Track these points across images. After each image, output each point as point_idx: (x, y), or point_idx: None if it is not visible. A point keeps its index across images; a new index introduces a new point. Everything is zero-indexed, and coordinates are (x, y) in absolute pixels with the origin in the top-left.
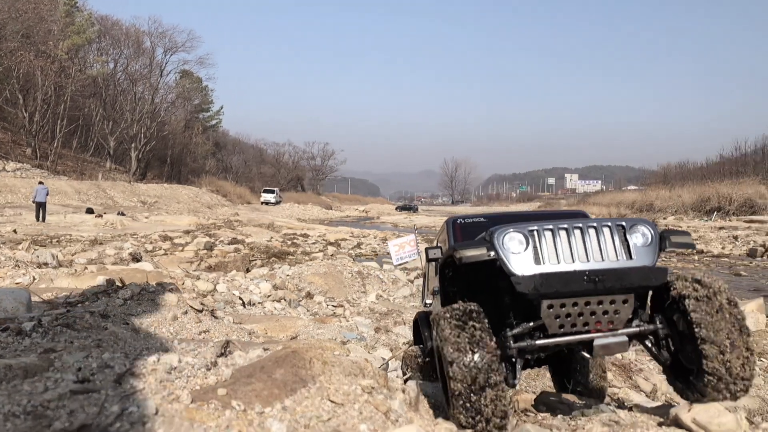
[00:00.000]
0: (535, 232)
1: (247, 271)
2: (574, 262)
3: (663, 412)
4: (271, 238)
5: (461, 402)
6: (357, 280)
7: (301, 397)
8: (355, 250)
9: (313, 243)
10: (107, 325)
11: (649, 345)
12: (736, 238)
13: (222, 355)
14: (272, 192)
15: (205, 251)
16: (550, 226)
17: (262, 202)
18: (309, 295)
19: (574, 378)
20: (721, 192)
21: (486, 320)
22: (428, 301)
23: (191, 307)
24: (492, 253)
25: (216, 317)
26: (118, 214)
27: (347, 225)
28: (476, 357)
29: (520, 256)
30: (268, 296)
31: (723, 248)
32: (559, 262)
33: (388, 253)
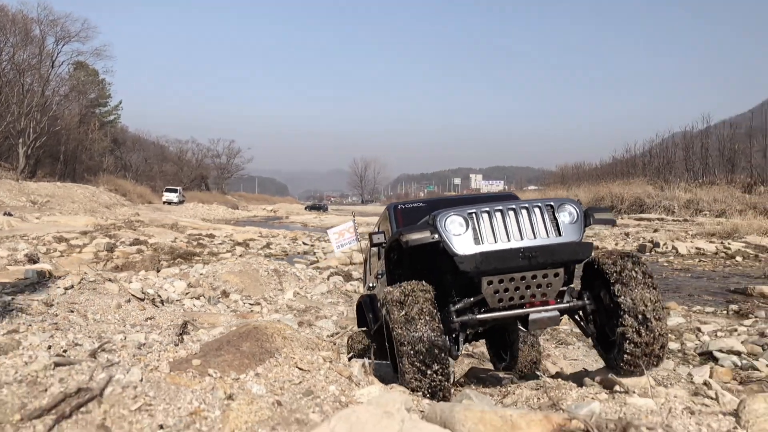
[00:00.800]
0: (474, 215)
1: (158, 271)
2: (509, 240)
3: (582, 376)
4: (176, 238)
5: (411, 371)
6: (273, 278)
7: (270, 366)
8: (264, 250)
9: (220, 243)
10: (57, 312)
11: (578, 319)
12: (627, 234)
13: (182, 333)
14: (175, 191)
15: (105, 252)
16: (487, 209)
17: (165, 202)
18: (225, 294)
19: (510, 351)
20: (614, 191)
21: (432, 296)
22: (371, 285)
23: (133, 295)
24: (435, 236)
25: (156, 306)
26: (5, 214)
27: (255, 225)
28: (423, 330)
29: (461, 238)
30: (186, 293)
31: (616, 244)
32: (496, 242)
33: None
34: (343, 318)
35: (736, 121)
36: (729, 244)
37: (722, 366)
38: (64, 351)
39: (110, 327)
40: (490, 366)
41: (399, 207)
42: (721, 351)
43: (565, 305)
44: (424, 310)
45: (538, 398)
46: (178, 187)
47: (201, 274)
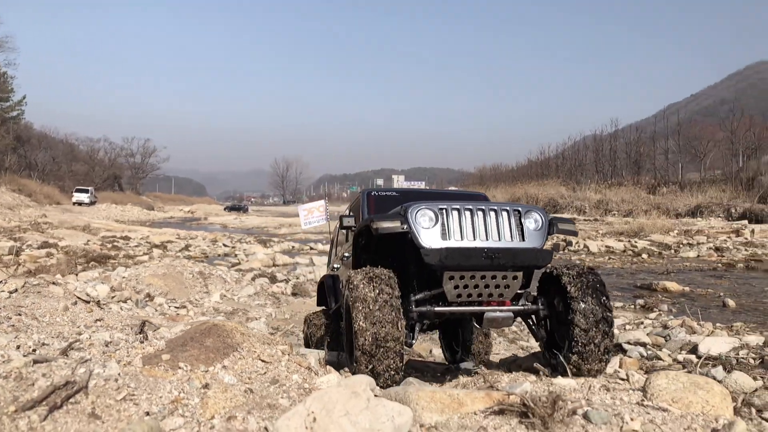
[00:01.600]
0: (444, 211)
1: (76, 275)
2: (475, 239)
3: (510, 363)
4: (88, 241)
5: (366, 354)
6: (199, 281)
7: (235, 359)
8: (183, 252)
9: (137, 246)
10: (10, 315)
11: (530, 323)
12: None
13: (141, 332)
14: (86, 191)
15: (10, 256)
16: (458, 206)
17: (75, 203)
18: (150, 297)
19: (462, 343)
20: (530, 192)
21: (395, 284)
22: (336, 266)
23: (79, 298)
24: (405, 227)
25: (101, 308)
26: None
27: (172, 226)
28: (383, 315)
29: (430, 231)
30: (113, 297)
31: None
32: (462, 239)
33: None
34: (273, 319)
35: (642, 125)
36: (635, 242)
37: (630, 357)
38: (33, 350)
39: (64, 329)
40: (425, 359)
41: (372, 193)
42: (629, 343)
43: (519, 307)
44: (386, 296)
45: (475, 382)
46: (89, 188)
47: (123, 277)
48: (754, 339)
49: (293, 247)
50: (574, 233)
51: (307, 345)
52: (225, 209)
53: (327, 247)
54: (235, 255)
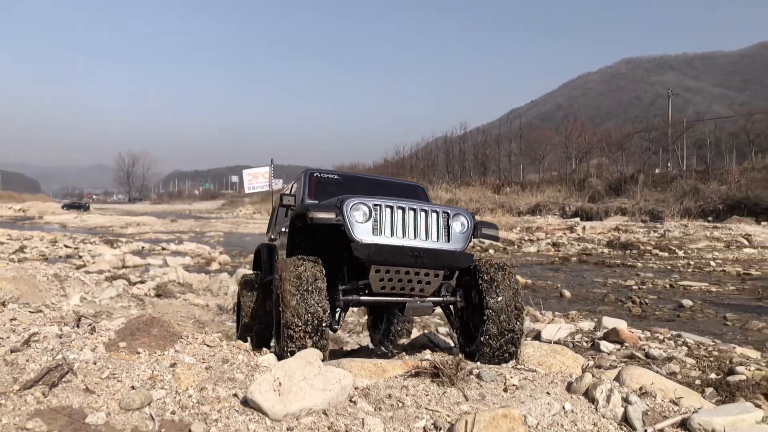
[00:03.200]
0: (379, 207)
1: None
2: (403, 237)
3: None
4: None
5: (292, 336)
6: (54, 284)
7: (184, 344)
8: (18, 254)
9: None
10: None
11: (448, 312)
12: None
13: (78, 326)
14: None
15: None
16: (392, 204)
17: None
18: (1, 303)
19: (386, 322)
20: None
21: (323, 272)
22: (272, 236)
23: None
24: (339, 219)
25: (5, 306)
26: None
27: (1, 226)
28: (311, 301)
29: (362, 226)
30: None
31: None
32: (392, 236)
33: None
34: None
35: (488, 128)
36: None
37: None
38: None
39: None
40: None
41: (315, 174)
42: None
43: (439, 299)
44: (315, 285)
45: (392, 356)
46: None
47: None
48: (587, 324)
49: (143, 247)
50: (496, 238)
51: (238, 303)
52: (63, 207)
53: (180, 247)
54: (79, 256)
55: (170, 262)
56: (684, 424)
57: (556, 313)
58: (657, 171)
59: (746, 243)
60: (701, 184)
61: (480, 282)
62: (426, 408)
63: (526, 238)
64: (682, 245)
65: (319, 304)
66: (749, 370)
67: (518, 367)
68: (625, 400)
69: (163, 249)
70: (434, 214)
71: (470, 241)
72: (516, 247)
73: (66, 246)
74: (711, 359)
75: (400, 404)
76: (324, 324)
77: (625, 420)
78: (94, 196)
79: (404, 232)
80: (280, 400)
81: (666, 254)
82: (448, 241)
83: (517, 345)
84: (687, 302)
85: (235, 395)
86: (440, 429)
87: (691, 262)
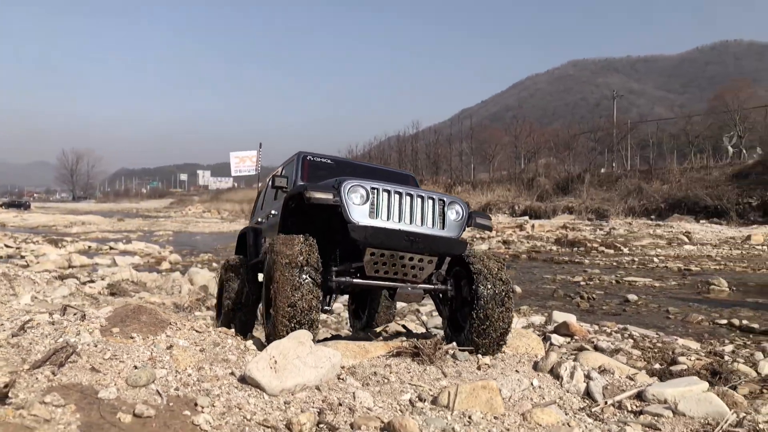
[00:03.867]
0: (376, 191)
1: None
2: (399, 222)
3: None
4: None
5: (283, 315)
6: (3, 282)
7: (174, 330)
8: None
9: None
10: None
11: (438, 301)
12: None
13: (64, 314)
14: None
15: None
16: (389, 188)
17: None
18: None
19: (369, 311)
20: None
21: (317, 252)
22: (260, 219)
23: None
24: (337, 200)
25: None
26: None
27: None
28: (304, 280)
29: (359, 208)
30: None
31: None
32: (388, 220)
33: None
34: None
35: (440, 128)
36: None
37: None
38: None
39: None
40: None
41: (308, 158)
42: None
43: (430, 286)
44: (309, 265)
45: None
46: None
47: None
48: (538, 319)
49: (90, 247)
50: (490, 228)
51: (220, 289)
52: (2, 206)
53: (129, 246)
54: (22, 256)
55: (119, 262)
56: (640, 395)
57: None
58: (603, 170)
59: (686, 240)
60: (644, 184)
61: (471, 271)
62: (409, 383)
63: (477, 236)
64: (627, 243)
65: (313, 285)
66: (690, 360)
67: None
68: (587, 377)
69: (111, 248)
70: (430, 201)
71: (464, 230)
72: (468, 245)
73: (6, 246)
74: (655, 350)
75: (386, 380)
76: (316, 305)
77: (587, 394)
78: (35, 195)
79: (400, 216)
80: (277, 377)
81: (612, 251)
82: (443, 228)
83: (505, 336)
84: (632, 297)
85: (232, 374)
86: (425, 401)
87: (636, 259)
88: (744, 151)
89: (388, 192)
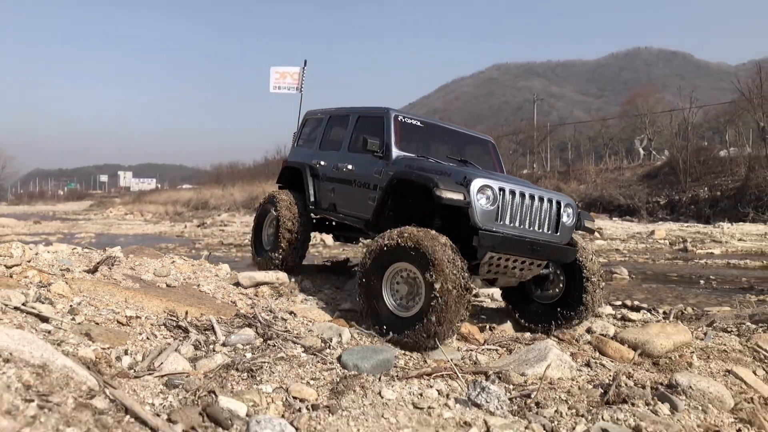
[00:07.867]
0: (502, 192)
1: None
2: (521, 226)
3: None
4: None
5: (450, 319)
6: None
7: (169, 258)
8: None
9: None
10: None
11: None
12: None
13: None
14: None
15: None
16: (515, 189)
17: None
18: None
19: None
20: (267, 191)
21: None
22: (322, 162)
23: None
24: (468, 201)
25: None
26: None
27: None
28: (468, 300)
29: (487, 211)
30: None
31: None
32: (512, 223)
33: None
34: None
35: None
36: None
37: None
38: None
39: None
40: None
41: (399, 118)
42: None
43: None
44: (468, 291)
45: None
46: None
47: None
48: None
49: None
50: (593, 231)
51: (259, 223)
52: None
53: (50, 249)
54: None
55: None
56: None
57: None
58: (525, 171)
59: (598, 236)
60: (563, 184)
61: (578, 260)
62: None
63: None
64: None
65: (461, 273)
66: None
67: None
68: None
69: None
70: (548, 203)
71: (573, 233)
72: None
73: None
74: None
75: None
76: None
77: None
78: None
79: (523, 220)
80: (248, 278)
81: None
82: (557, 232)
83: (599, 308)
84: None
85: (216, 275)
86: None
87: None
88: (653, 152)
89: (513, 193)
